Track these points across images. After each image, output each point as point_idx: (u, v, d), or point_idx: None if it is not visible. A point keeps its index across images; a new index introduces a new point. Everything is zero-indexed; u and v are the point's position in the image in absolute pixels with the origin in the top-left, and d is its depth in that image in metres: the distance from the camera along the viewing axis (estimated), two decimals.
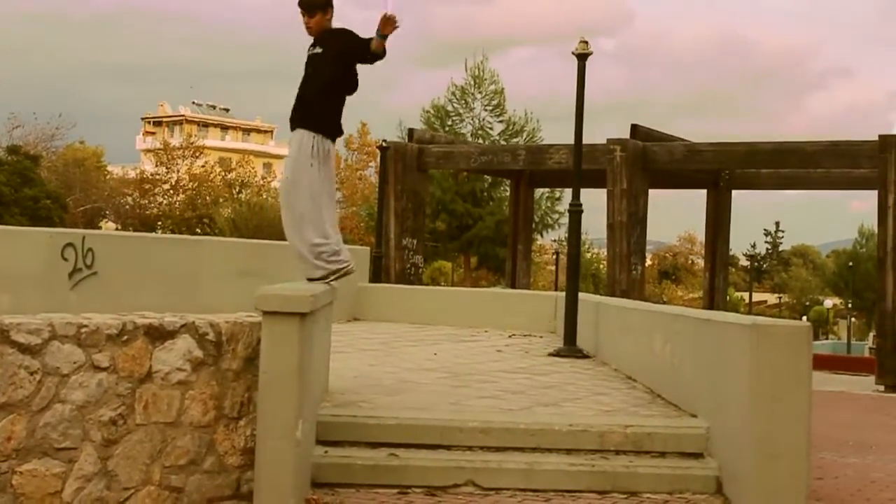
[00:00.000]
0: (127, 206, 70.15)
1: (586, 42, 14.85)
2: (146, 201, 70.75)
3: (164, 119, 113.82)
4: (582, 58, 14.84)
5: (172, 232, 60.31)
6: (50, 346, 5.93)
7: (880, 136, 26.38)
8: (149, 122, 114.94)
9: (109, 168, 75.35)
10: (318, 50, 8.48)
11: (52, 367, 5.93)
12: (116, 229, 59.20)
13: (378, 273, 24.76)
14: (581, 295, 14.46)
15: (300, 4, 8.59)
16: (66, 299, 12.81)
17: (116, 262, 14.04)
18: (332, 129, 8.48)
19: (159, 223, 67.47)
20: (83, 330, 6.09)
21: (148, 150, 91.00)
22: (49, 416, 5.90)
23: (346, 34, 8.49)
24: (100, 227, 58.59)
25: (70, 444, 5.98)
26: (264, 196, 69.81)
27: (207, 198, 70.01)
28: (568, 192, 35.84)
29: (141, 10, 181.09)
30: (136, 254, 14.90)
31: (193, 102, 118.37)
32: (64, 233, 14.74)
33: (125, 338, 6.26)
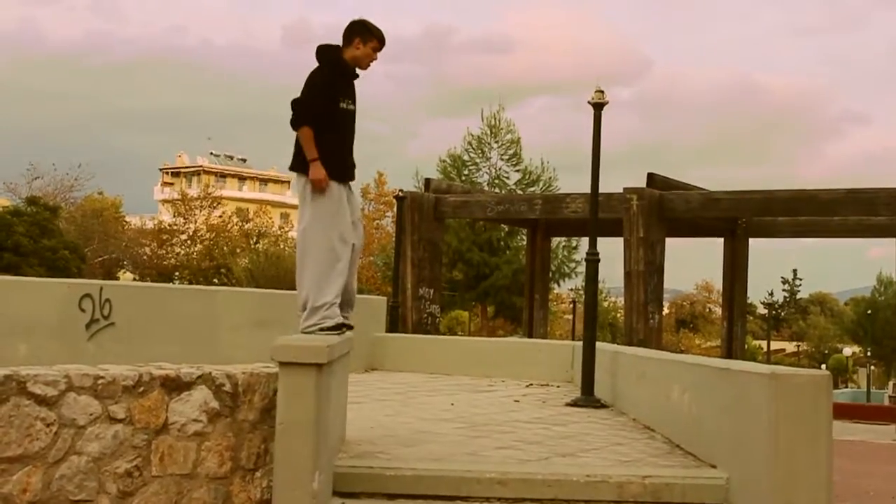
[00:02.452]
0: (145, 257, 70.40)
1: (602, 91, 14.89)
2: (164, 251, 70.99)
3: (182, 170, 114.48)
4: (598, 107, 14.88)
5: (190, 282, 60.48)
6: (66, 397, 5.93)
7: None
8: (167, 173, 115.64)
9: (128, 218, 75.71)
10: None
11: (69, 418, 5.92)
12: (134, 280, 59.34)
13: (395, 323, 24.74)
14: (598, 344, 14.40)
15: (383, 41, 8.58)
16: (83, 350, 12.83)
17: (133, 313, 14.06)
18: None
19: (177, 273, 67.63)
20: (99, 381, 6.08)
21: (166, 201, 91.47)
22: (65, 468, 5.89)
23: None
24: (118, 278, 58.73)
25: (86, 496, 5.96)
26: (281, 246, 69.98)
27: (225, 248, 70.22)
28: (584, 241, 35.92)
29: (158, 58, 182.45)
30: (152, 304, 14.92)
31: (211, 153, 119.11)
32: (81, 283, 14.79)
33: (141, 389, 6.25)
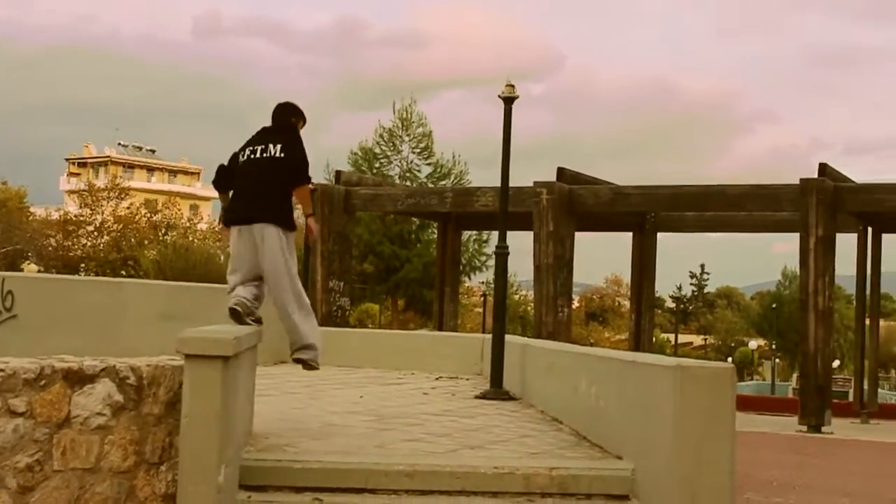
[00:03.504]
0: (50, 248, 69.22)
1: (512, 86, 14.93)
2: (70, 243, 69.84)
3: (90, 160, 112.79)
4: (508, 101, 14.92)
5: (96, 274, 59.56)
6: None
7: (801, 180, 26.87)
8: (73, 163, 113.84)
9: (32, 209, 74.38)
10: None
11: None
12: (39, 271, 58.29)
13: None
14: (508, 337, 14.48)
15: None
16: None
17: (37, 305, 13.83)
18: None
19: (83, 265, 66.61)
20: (0, 374, 5.96)
21: (72, 192, 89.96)
22: None
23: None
24: (22, 270, 57.64)
25: None
26: (190, 238, 69.23)
27: (133, 240, 69.28)
28: (495, 235, 36.08)
29: (66, 48, 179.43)
30: (57, 296, 14.69)
31: (119, 143, 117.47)
32: None
33: (43, 382, 6.14)
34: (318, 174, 46.74)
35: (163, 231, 73.19)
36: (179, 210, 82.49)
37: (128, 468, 6.48)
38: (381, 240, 48.03)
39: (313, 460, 7.71)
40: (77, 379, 6.30)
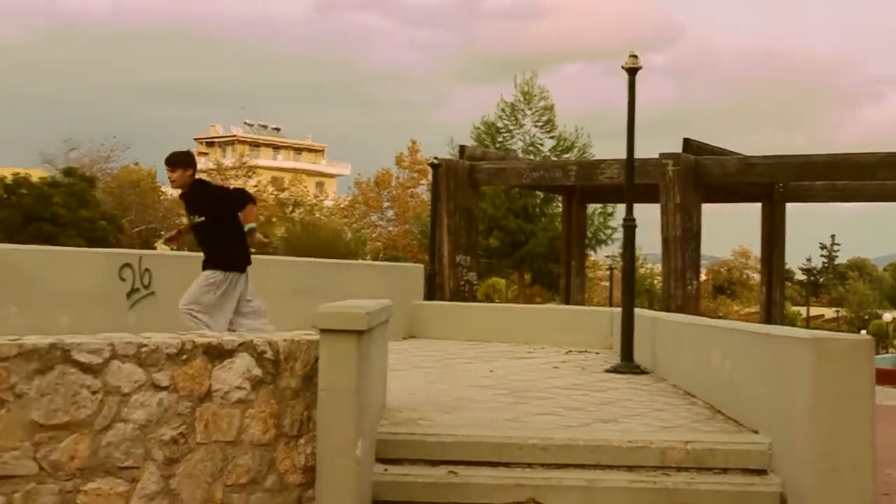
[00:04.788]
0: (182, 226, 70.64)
1: (636, 56, 14.77)
2: None
3: (217, 140, 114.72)
4: (632, 72, 14.77)
5: None
6: (110, 365, 5.97)
7: None
8: (202, 143, 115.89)
9: (164, 189, 76.02)
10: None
11: (113, 386, 5.97)
12: (171, 249, 59.64)
13: (432, 291, 24.76)
14: (637, 310, 14.37)
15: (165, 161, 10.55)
16: (124, 319, 12.91)
17: (173, 282, 14.09)
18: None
19: None
20: (143, 349, 6.12)
21: (201, 171, 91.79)
22: (111, 436, 5.94)
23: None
24: (155, 248, 59.04)
25: (132, 462, 6.01)
26: (317, 215, 70.13)
27: (261, 217, 70.38)
28: (620, 208, 35.76)
29: (185, 29, 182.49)
30: (192, 273, 14.96)
31: (245, 122, 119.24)
32: (121, 253, 14.89)
33: (184, 357, 6.29)
34: (442, 149, 46.93)
35: (290, 208, 74.19)
36: (305, 187, 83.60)
37: (268, 441, 6.61)
38: (506, 214, 47.97)
39: (447, 434, 7.77)
40: (217, 354, 6.44)
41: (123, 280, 13.40)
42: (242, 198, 10.72)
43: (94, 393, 5.88)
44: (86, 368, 5.86)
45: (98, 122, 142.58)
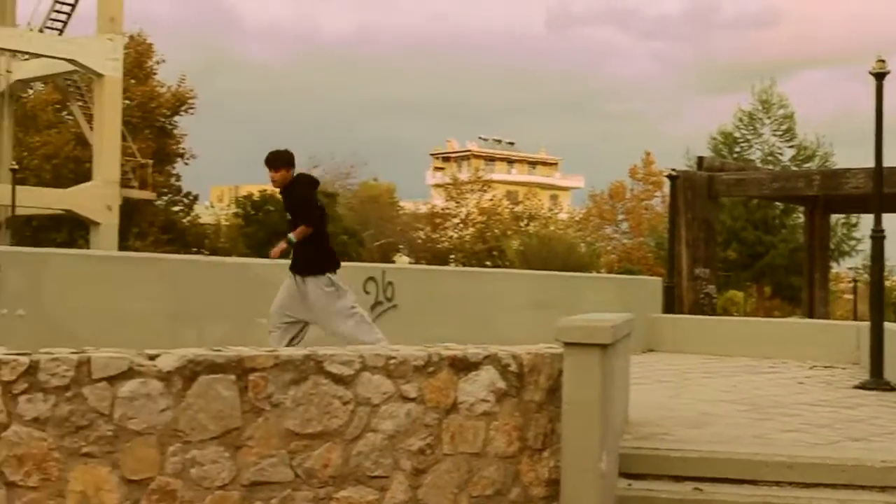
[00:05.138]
0: (419, 240, 72.02)
1: (883, 61, 14.24)
2: (437, 235, 72.41)
3: (452, 155, 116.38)
4: (879, 77, 14.23)
5: (464, 265, 61.47)
6: (361, 377, 6.13)
7: None
8: (437, 158, 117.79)
9: (402, 203, 77.63)
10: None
11: (364, 397, 6.13)
12: (410, 263, 60.84)
13: (670, 304, 24.44)
14: (886, 325, 13.82)
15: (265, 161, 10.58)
16: None
17: (414, 295, 14.42)
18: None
19: (452, 256, 68.91)
20: (391, 361, 6.26)
21: (438, 185, 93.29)
22: (362, 445, 6.09)
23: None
24: (394, 261, 60.35)
25: (382, 472, 6.15)
26: (551, 228, 70.27)
27: (496, 230, 71.03)
28: (865, 218, 34.50)
29: (424, 47, 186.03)
30: (432, 286, 15.27)
31: (480, 137, 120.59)
32: (365, 267, 15.28)
33: (431, 369, 6.40)
34: (677, 161, 46.31)
35: (524, 221, 74.59)
36: (540, 200, 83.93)
37: (512, 454, 6.65)
38: (745, 225, 47.00)
39: (691, 449, 7.67)
40: (462, 366, 6.53)
41: (367, 293, 13.76)
42: (305, 217, 10.57)
43: (345, 403, 6.05)
44: (338, 379, 6.04)
45: (339, 139, 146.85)
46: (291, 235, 10.32)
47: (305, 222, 10.37)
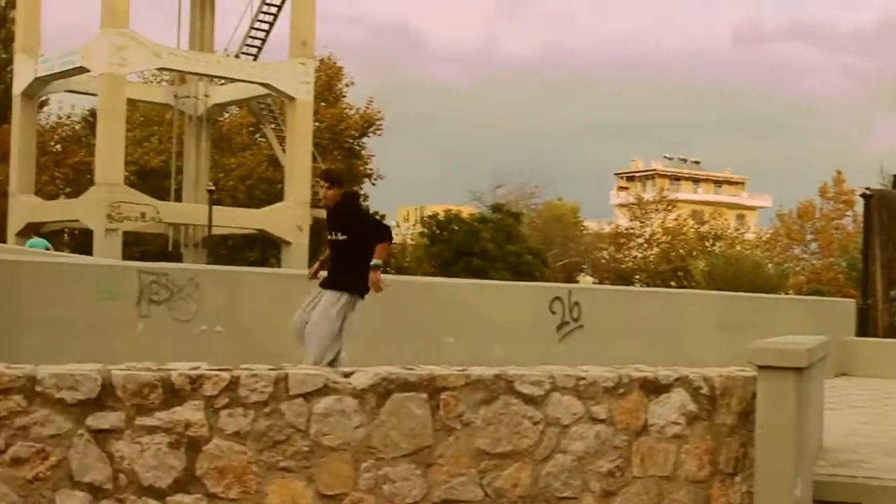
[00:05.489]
0: (603, 260, 71.63)
1: None
2: (621, 255, 71.88)
3: (637, 174, 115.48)
4: None
5: (648, 285, 60.87)
6: (551, 397, 6.14)
7: None
8: (622, 178, 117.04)
9: (585, 223, 77.35)
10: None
11: (553, 417, 6.13)
12: (594, 283, 60.55)
13: (864, 326, 23.70)
14: None
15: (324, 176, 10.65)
16: (554, 351, 13.23)
17: (600, 315, 14.36)
18: None
19: (636, 277, 68.30)
20: (581, 382, 6.25)
21: (622, 205, 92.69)
22: (551, 466, 6.10)
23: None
24: (577, 281, 60.14)
25: (571, 493, 6.14)
26: (738, 248, 68.98)
27: (681, 251, 70.12)
28: None
29: (623, 67, 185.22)
30: (617, 307, 15.18)
31: (665, 156, 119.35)
32: (552, 287, 15.32)
33: (621, 391, 6.36)
34: (870, 179, 44.90)
35: (710, 241, 73.44)
36: (726, 220, 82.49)
37: (703, 478, 6.55)
38: None
39: (890, 478, 7.41)
40: (653, 388, 6.47)
41: (554, 313, 13.76)
42: (384, 232, 10.62)
43: (535, 423, 6.07)
44: (528, 399, 6.06)
45: (523, 160, 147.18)
46: (377, 260, 10.36)
47: (384, 240, 10.49)
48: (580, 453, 6.19)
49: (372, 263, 10.25)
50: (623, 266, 70.29)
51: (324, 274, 10.51)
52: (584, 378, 6.27)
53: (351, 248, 10.33)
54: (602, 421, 6.28)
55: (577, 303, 13.97)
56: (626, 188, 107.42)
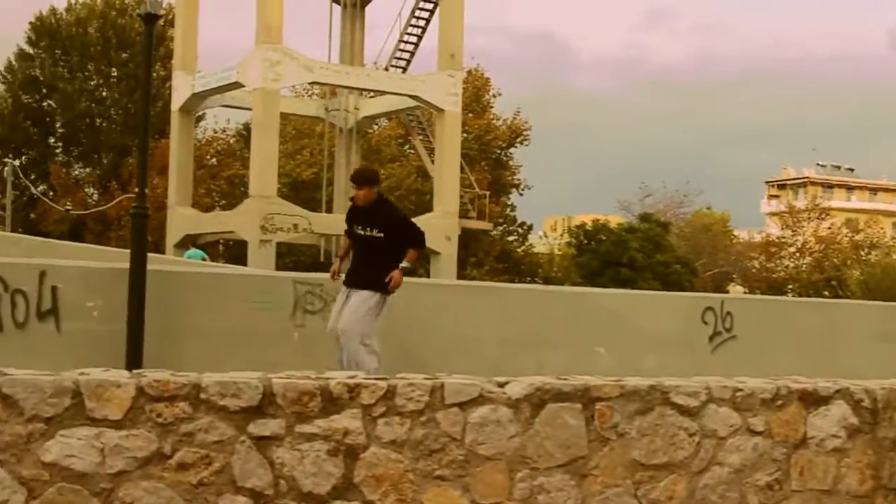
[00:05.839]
0: (753, 270, 70.42)
1: None
2: (772, 264, 70.57)
3: (788, 182, 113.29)
4: None
5: (800, 295, 59.61)
6: (707, 408, 6.07)
7: None
8: (773, 186, 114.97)
9: (735, 232, 76.17)
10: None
11: (709, 429, 6.06)
12: (744, 293, 59.55)
13: None
14: None
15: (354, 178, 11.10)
16: (706, 362, 13.06)
17: (754, 326, 14.13)
18: None
19: (789, 286, 66.97)
20: (738, 394, 6.16)
21: (773, 214, 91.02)
22: (707, 478, 6.03)
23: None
24: (727, 292, 59.21)
25: None
26: (894, 256, 67.09)
27: (835, 260, 68.53)
28: None
29: (772, 74, 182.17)
30: (771, 317, 14.91)
31: (817, 164, 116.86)
32: (703, 297, 15.14)
33: (779, 402, 6.25)
34: None
35: (865, 250, 71.62)
36: (882, 228, 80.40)
37: (865, 493, 6.40)
38: None
39: None
40: (812, 400, 6.34)
41: (706, 324, 13.59)
42: (421, 239, 10.96)
43: (691, 435, 6.00)
44: (683, 411, 6.00)
45: (672, 168, 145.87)
46: (406, 263, 10.60)
47: (416, 246, 10.79)
48: (737, 466, 6.10)
49: (403, 265, 10.54)
50: (774, 276, 68.98)
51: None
52: (741, 389, 6.18)
53: (385, 246, 10.57)
54: (760, 433, 6.18)
55: (729, 313, 13.77)
56: (777, 196, 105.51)
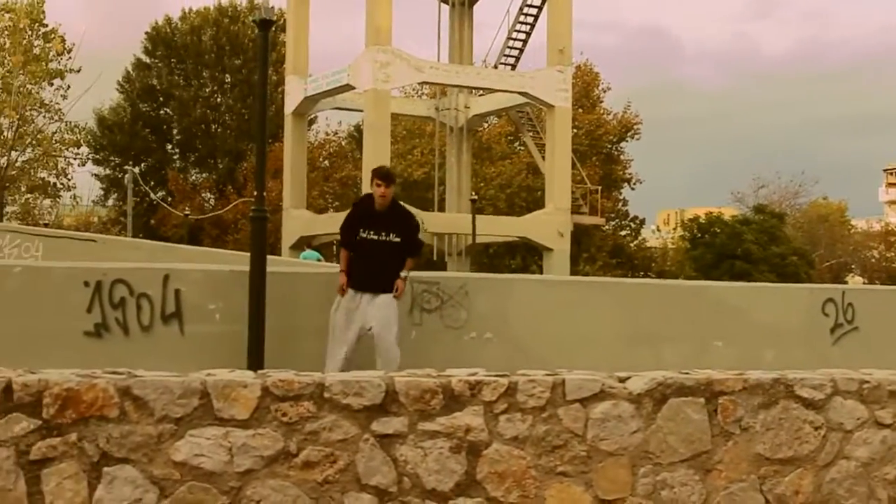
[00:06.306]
0: (872, 260, 68.99)
1: None
2: (892, 254, 69.04)
3: None
4: None
5: None
6: (832, 401, 5.98)
7: None
8: (891, 174, 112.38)
9: (853, 222, 74.67)
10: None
11: (836, 422, 5.97)
12: (864, 283, 58.35)
13: None
14: None
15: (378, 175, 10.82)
16: (827, 355, 12.84)
17: (875, 317, 13.84)
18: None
19: None
20: (865, 386, 6.06)
21: (892, 202, 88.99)
22: (834, 472, 5.93)
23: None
24: (846, 282, 58.08)
25: (856, 501, 5.95)
26: None
27: None
28: None
29: (882, 59, 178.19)
30: (894, 308, 14.58)
31: None
32: (824, 288, 14.87)
33: None
34: None
35: None
36: None
37: None
38: None
39: None
40: None
41: (826, 315, 13.35)
42: (421, 246, 11.27)
43: (816, 429, 5.92)
44: (808, 404, 5.92)
45: (785, 158, 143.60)
46: (405, 272, 10.72)
47: (417, 255, 10.96)
48: (865, 459, 6.00)
49: (404, 274, 10.73)
50: (895, 265, 67.45)
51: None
52: (867, 381, 6.07)
53: (401, 251, 10.73)
54: (888, 426, 6.07)
55: (850, 304, 13.49)
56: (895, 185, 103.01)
